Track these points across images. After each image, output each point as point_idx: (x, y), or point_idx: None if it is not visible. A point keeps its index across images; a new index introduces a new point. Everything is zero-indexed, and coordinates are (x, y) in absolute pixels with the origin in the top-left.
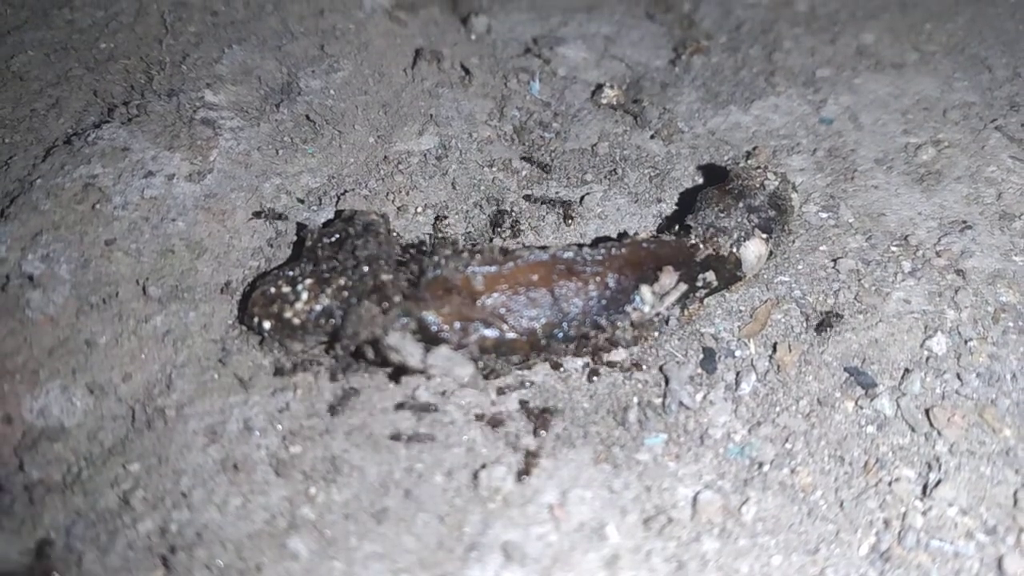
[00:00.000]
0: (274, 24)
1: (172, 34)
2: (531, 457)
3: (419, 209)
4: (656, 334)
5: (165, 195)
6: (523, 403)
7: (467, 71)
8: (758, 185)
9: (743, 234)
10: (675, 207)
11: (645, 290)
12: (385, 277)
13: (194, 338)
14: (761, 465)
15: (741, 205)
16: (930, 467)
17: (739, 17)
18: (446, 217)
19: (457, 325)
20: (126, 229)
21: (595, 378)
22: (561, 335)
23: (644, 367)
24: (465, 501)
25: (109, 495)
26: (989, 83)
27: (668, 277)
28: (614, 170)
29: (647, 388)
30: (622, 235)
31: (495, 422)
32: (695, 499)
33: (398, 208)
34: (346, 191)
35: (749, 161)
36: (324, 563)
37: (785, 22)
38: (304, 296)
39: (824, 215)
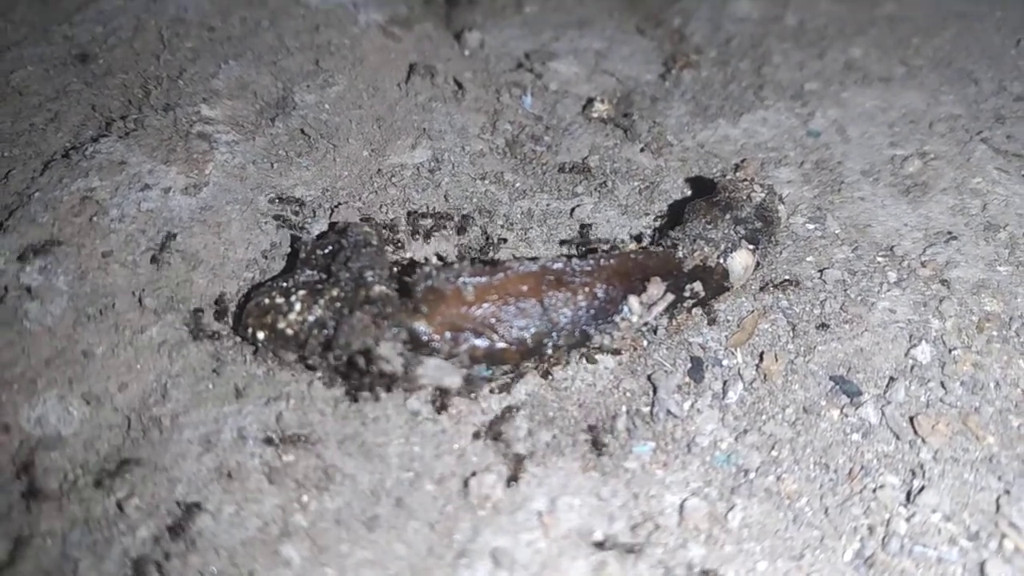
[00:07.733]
0: (270, 40)
1: (169, 49)
2: (519, 462)
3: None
4: (644, 343)
5: (161, 208)
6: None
7: (460, 85)
8: (745, 197)
9: (730, 245)
10: (664, 219)
11: (633, 300)
12: (377, 288)
13: (189, 348)
14: (747, 472)
15: (728, 217)
16: (914, 474)
17: (729, 32)
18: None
19: (448, 335)
20: (123, 241)
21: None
22: (551, 345)
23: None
24: (455, 508)
25: (105, 503)
26: (975, 96)
27: (656, 288)
28: (604, 182)
29: (635, 397)
30: (611, 246)
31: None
32: (682, 506)
33: (391, 220)
34: (340, 204)
35: (737, 173)
36: (316, 570)
37: (774, 37)
38: (297, 307)
39: (811, 226)
